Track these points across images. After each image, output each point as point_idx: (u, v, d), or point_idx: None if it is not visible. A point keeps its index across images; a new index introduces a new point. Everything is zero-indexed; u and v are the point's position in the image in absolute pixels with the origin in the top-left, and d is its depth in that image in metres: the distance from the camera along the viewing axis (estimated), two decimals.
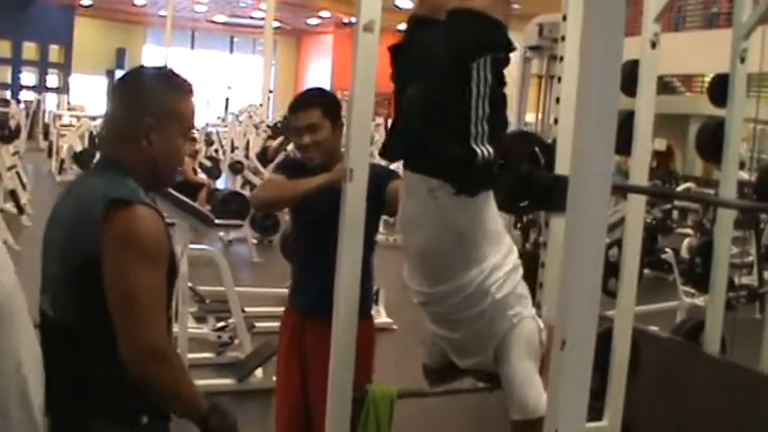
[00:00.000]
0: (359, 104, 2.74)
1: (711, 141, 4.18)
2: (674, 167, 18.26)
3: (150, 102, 1.95)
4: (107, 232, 1.80)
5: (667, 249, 7.55)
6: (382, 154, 2.69)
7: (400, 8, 24.17)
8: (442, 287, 2.51)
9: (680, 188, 12.08)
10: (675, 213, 11.66)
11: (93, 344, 1.86)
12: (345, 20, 26.46)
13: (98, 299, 1.81)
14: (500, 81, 2.26)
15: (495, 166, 2.32)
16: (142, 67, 2.10)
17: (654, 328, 5.38)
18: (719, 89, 4.20)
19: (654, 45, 3.57)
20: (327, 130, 3.08)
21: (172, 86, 2.00)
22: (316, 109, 3.09)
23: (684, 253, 8.02)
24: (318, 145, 3.08)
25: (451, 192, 2.33)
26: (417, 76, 2.42)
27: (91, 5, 28.08)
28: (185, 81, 2.04)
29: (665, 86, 16.92)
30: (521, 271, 2.57)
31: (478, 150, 2.23)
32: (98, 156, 2.32)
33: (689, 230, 10.91)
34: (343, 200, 2.76)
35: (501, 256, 2.49)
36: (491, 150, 2.28)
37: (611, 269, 4.15)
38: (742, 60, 3.99)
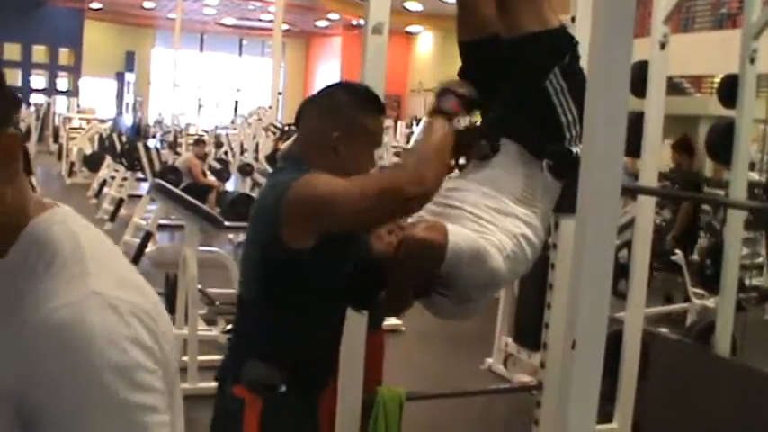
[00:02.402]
0: None
1: (721, 142, 4.16)
2: (698, 168, 17.68)
3: (341, 116, 2.05)
4: (286, 207, 1.92)
5: (677, 251, 7.52)
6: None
7: (409, 10, 24.19)
8: None
9: None
10: None
11: (261, 311, 2.05)
12: (354, 22, 26.46)
13: (272, 270, 2.00)
14: (576, 78, 2.25)
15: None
16: (339, 83, 2.23)
17: (664, 330, 5.36)
18: (729, 90, 4.18)
19: (663, 46, 3.57)
20: None
21: (364, 103, 2.09)
22: None
23: (694, 254, 7.98)
24: None
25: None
26: (498, 98, 2.41)
27: (100, 9, 28.15)
28: (378, 100, 2.14)
29: (674, 88, 16.84)
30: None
31: (574, 150, 2.26)
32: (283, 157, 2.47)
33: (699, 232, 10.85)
34: None
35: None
36: None
37: (621, 271, 4.15)
38: (752, 61, 3.97)
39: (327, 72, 30.70)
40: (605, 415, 3.71)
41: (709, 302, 6.26)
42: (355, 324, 2.79)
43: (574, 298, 1.84)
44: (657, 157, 3.63)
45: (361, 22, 2.81)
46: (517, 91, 2.31)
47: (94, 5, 27.70)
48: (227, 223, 5.99)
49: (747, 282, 6.59)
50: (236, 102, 30.41)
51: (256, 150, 12.91)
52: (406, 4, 23.35)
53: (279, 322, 2.04)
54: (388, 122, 13.66)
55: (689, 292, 6.63)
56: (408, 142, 15.74)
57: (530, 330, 4.78)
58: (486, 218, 2.17)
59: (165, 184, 5.91)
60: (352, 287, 2.09)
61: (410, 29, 28.11)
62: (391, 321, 6.55)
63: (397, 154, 14.73)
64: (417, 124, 15.32)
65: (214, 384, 2.16)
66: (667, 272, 7.81)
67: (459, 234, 2.04)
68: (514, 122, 2.31)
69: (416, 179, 1.97)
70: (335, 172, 2.00)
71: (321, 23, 29.85)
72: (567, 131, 2.25)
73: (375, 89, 2.74)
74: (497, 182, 2.25)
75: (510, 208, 2.20)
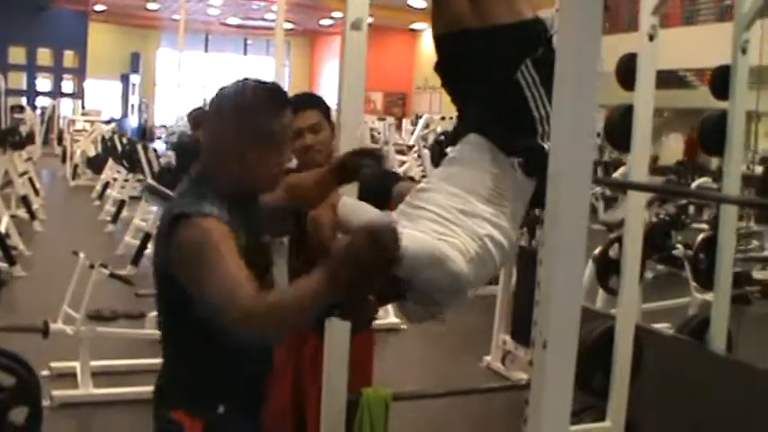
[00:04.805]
0: (348, 104, 2.71)
1: (714, 134, 4.09)
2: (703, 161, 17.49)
3: (241, 121, 1.97)
4: (170, 247, 1.90)
5: (678, 245, 7.45)
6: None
7: (413, 8, 24.13)
8: None
9: (695, 183, 11.92)
10: (692, 209, 11.50)
11: (177, 339, 2.04)
12: None
13: (174, 301, 1.96)
14: (550, 71, 2.20)
15: None
16: (239, 80, 2.07)
17: (666, 325, 5.30)
18: (721, 81, 4.11)
19: (651, 38, 3.51)
20: (327, 132, 3.01)
21: (264, 102, 1.99)
22: (314, 109, 3.01)
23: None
24: (322, 145, 2.97)
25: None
26: (471, 92, 2.37)
27: (104, 11, 28.19)
28: (280, 94, 2.04)
29: (679, 81, 16.75)
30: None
31: (546, 146, 2.21)
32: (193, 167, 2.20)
33: (705, 225, 10.77)
34: None
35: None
36: None
37: (615, 266, 4.10)
38: (743, 51, 3.92)
39: (332, 70, 30.69)
40: (598, 413, 3.67)
41: (711, 297, 6.19)
42: (340, 325, 2.75)
43: (544, 297, 1.80)
44: (647, 150, 3.56)
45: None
46: (489, 84, 2.26)
47: (98, 8, 27.73)
48: None
49: (754, 275, 6.54)
50: None
51: None
52: (410, 2, 23.29)
53: (193, 351, 2.00)
54: (391, 120, 13.62)
55: (690, 286, 6.56)
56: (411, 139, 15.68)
57: (526, 327, 4.73)
58: (450, 219, 2.11)
59: (155, 185, 5.89)
60: None
61: (414, 26, 28.07)
62: (390, 320, 6.52)
63: (399, 152, 14.71)
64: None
65: None
66: (669, 267, 7.77)
67: (412, 238, 1.98)
68: (485, 118, 2.26)
69: (267, 314, 1.76)
70: (244, 180, 1.97)
71: (325, 22, 29.82)
72: (539, 126, 2.20)
73: (355, 86, 2.71)
74: (465, 181, 2.20)
75: (476, 208, 2.15)
